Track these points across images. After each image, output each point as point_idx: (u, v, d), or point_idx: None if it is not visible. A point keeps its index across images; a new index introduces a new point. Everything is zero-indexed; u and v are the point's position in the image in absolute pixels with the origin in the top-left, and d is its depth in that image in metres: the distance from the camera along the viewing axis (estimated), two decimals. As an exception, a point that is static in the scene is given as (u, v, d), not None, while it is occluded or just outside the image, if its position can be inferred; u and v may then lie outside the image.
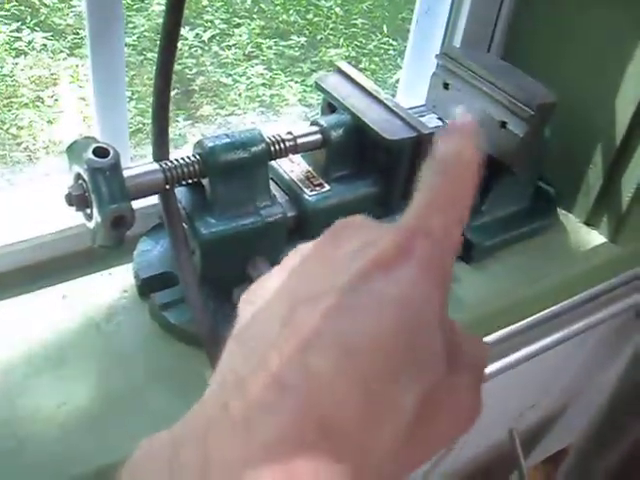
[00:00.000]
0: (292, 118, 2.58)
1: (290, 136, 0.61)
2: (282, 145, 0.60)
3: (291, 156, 0.62)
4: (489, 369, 0.78)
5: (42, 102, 2.46)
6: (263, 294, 0.36)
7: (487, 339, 0.75)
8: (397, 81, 0.99)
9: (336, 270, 0.32)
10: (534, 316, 0.79)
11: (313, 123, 0.63)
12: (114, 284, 0.66)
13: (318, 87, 0.68)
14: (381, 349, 0.29)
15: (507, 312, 0.75)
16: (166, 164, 0.55)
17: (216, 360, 0.54)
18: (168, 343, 0.62)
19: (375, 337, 0.29)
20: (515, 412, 1.06)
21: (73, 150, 0.51)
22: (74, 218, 0.66)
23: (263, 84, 2.69)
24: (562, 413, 1.19)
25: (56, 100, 2.45)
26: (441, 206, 0.32)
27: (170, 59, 0.52)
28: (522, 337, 0.79)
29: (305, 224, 0.63)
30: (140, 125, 2.13)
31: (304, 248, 0.37)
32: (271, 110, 2.61)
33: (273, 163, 0.63)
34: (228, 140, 0.57)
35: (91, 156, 0.49)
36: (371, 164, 0.64)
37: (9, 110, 2.41)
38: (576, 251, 0.81)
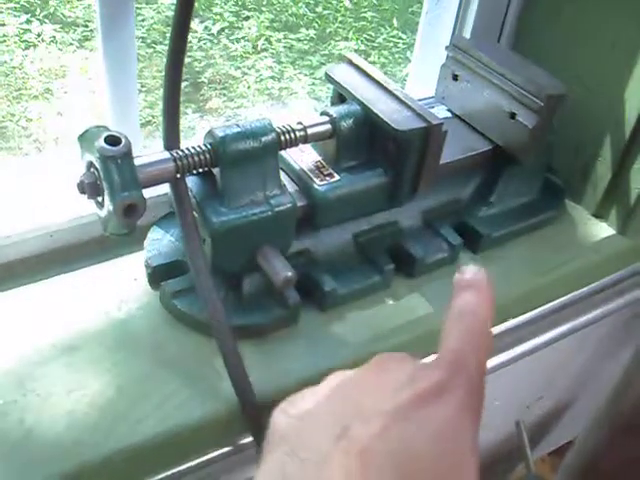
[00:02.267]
0: (301, 111, 2.58)
1: (300, 126, 0.61)
2: (292, 135, 0.60)
3: (301, 146, 0.62)
4: (496, 361, 0.78)
5: (51, 94, 2.46)
6: (304, 407, 0.39)
7: (494, 330, 0.76)
8: (407, 75, 1.00)
9: (385, 397, 0.38)
10: (542, 307, 0.79)
11: (323, 113, 0.64)
12: (125, 272, 0.67)
13: (328, 78, 0.68)
14: (428, 470, 0.34)
15: (515, 304, 0.75)
16: (177, 153, 0.55)
17: (225, 349, 0.54)
18: (178, 331, 0.62)
19: (424, 459, 0.34)
20: (522, 404, 1.07)
21: (85, 138, 0.52)
22: (84, 207, 0.67)
23: (272, 77, 2.69)
24: (570, 405, 1.19)
25: (65, 92, 2.46)
26: (474, 346, 0.40)
27: (181, 48, 0.53)
28: (530, 329, 0.80)
29: (315, 214, 0.63)
30: (150, 117, 2.13)
31: (346, 373, 0.41)
32: (280, 103, 2.61)
33: (283, 153, 0.63)
34: (239, 129, 0.57)
35: (103, 144, 0.50)
36: (381, 154, 0.65)
37: (19, 102, 2.42)
38: (584, 243, 0.81)
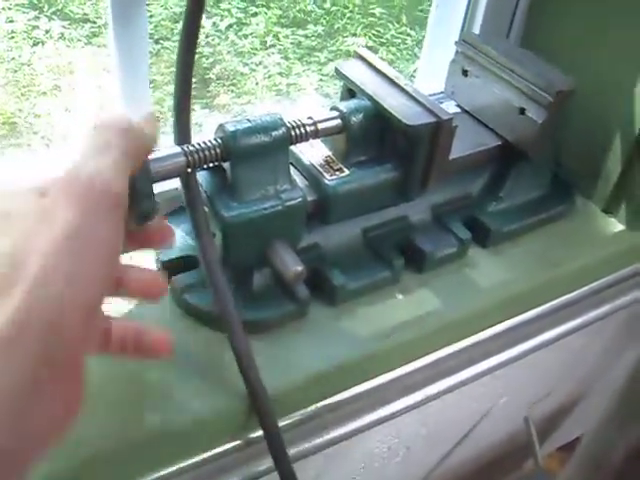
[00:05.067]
0: (309, 107, 2.58)
1: (310, 121, 0.61)
2: (302, 130, 0.60)
3: (311, 141, 0.62)
4: (504, 356, 0.79)
5: (59, 90, 2.47)
6: None
7: (503, 326, 0.76)
8: (414, 71, 1.00)
9: None
10: (551, 303, 0.79)
11: (333, 108, 0.64)
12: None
13: (338, 73, 0.68)
14: None
15: (524, 298, 0.75)
16: (188, 147, 0.55)
17: (236, 343, 0.54)
18: (189, 326, 0.62)
19: None
20: (531, 400, 1.07)
21: None
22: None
23: (280, 73, 2.70)
24: (578, 401, 1.19)
25: (73, 88, 2.47)
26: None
27: (192, 43, 0.53)
28: (539, 324, 0.80)
29: (325, 208, 0.63)
30: (157, 114, 2.14)
31: None
32: (288, 99, 2.61)
33: (293, 148, 0.63)
34: (249, 124, 0.57)
35: None
36: (390, 149, 0.65)
37: (27, 99, 2.43)
38: (594, 238, 0.81)
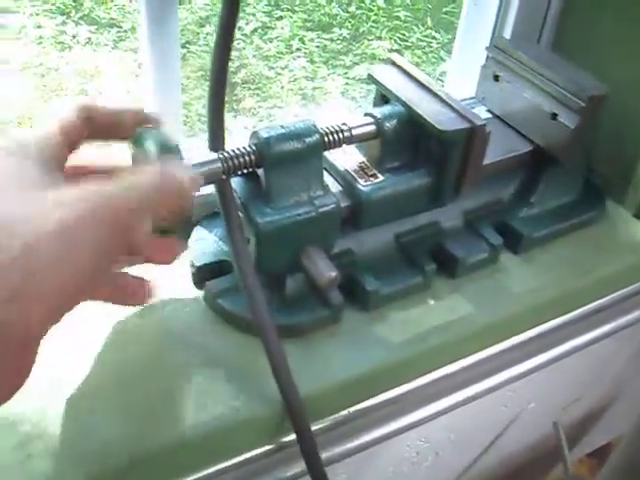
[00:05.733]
0: (335, 110, 2.58)
1: (345, 127, 0.61)
2: (336, 136, 0.60)
3: (345, 147, 0.62)
4: (535, 362, 0.78)
5: (87, 94, 2.49)
6: None
7: (534, 331, 0.76)
8: (441, 74, 1.00)
9: None
10: (582, 308, 0.79)
11: (367, 114, 0.64)
12: (169, 272, 0.67)
13: (371, 78, 0.69)
14: None
15: (555, 304, 0.75)
16: (223, 154, 0.56)
17: (270, 347, 0.55)
18: (223, 330, 0.63)
19: None
20: (560, 405, 1.06)
21: (138, 141, 0.52)
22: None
23: (305, 77, 2.70)
24: (607, 407, 1.19)
25: (100, 92, 2.49)
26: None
27: (227, 46, 0.53)
28: (570, 329, 0.79)
29: (359, 214, 0.63)
30: (184, 118, 2.16)
31: None
32: (314, 102, 2.62)
33: (327, 154, 0.64)
34: (283, 131, 0.58)
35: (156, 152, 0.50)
36: (424, 155, 0.65)
37: (55, 103, 2.45)
38: (625, 243, 0.81)
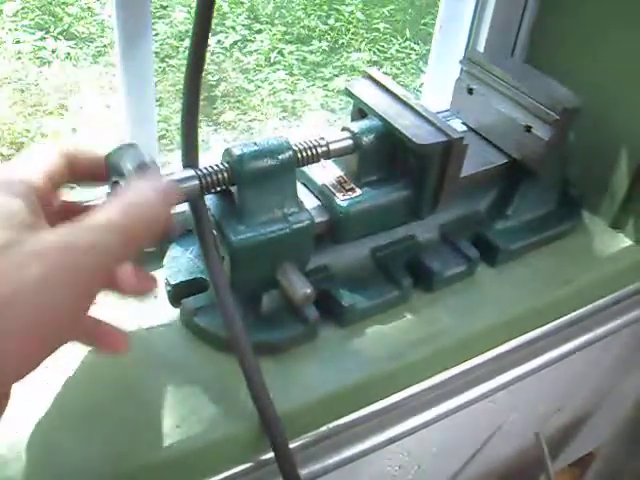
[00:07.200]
0: (315, 123, 2.59)
1: (322, 142, 0.61)
2: (311, 152, 0.60)
3: (323, 161, 0.62)
4: (514, 373, 0.78)
5: (66, 110, 2.48)
6: None
7: (512, 343, 0.76)
8: (420, 85, 1.00)
9: None
10: (560, 319, 0.79)
11: (344, 129, 0.64)
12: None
13: (348, 93, 0.69)
14: None
15: (533, 315, 0.75)
16: (200, 171, 0.55)
17: (246, 365, 0.55)
18: (199, 348, 0.62)
19: None
20: (541, 416, 1.06)
21: (112, 157, 0.52)
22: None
23: (285, 89, 2.71)
24: (588, 417, 1.19)
25: (80, 107, 2.48)
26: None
27: (200, 62, 0.53)
28: (547, 341, 0.79)
29: (337, 228, 0.63)
30: (164, 131, 2.15)
31: None
32: (293, 115, 2.62)
33: (306, 169, 0.64)
34: (256, 148, 0.58)
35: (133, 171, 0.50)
36: (402, 169, 0.65)
37: (34, 118, 2.44)
38: (602, 254, 0.81)
